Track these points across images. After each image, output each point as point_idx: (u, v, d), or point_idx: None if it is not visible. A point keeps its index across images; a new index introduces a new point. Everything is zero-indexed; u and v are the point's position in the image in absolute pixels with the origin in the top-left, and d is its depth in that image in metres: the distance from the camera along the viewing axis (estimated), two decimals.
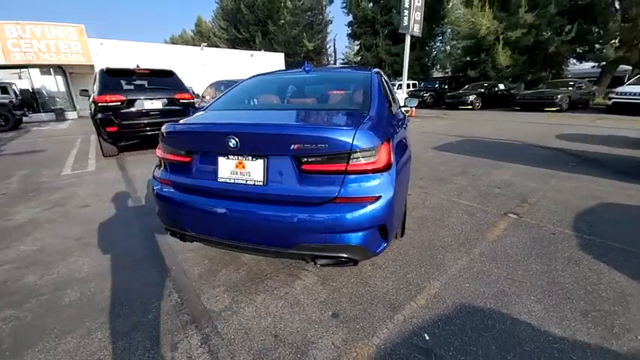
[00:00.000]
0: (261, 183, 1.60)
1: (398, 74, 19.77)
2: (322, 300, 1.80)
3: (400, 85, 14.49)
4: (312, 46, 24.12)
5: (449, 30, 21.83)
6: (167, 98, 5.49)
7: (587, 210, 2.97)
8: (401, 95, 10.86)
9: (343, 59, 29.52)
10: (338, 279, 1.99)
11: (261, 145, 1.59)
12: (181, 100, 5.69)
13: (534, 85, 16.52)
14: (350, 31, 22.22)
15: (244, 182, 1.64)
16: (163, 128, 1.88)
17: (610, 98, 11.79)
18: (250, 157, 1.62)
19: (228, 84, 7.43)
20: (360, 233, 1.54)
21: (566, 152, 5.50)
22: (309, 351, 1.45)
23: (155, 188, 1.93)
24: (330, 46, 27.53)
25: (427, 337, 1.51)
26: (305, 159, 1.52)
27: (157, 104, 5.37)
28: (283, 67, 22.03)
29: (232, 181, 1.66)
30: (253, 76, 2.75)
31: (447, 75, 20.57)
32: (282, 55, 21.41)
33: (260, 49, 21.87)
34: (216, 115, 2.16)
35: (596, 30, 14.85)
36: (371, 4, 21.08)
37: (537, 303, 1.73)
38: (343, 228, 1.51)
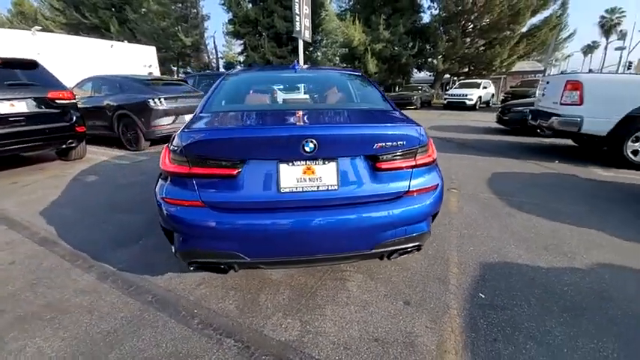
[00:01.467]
0: (335, 187, 1.51)
1: None
2: (385, 293, 1.85)
3: None
4: (190, 41, 21.66)
5: (325, 38, 24.13)
6: (35, 98, 3.88)
7: (489, 179, 4.08)
8: None
9: (222, 58, 27.92)
10: (380, 271, 2.06)
11: (339, 146, 1.49)
12: (58, 101, 4.15)
13: (391, 89, 20.54)
14: (232, 29, 21.21)
15: (315, 189, 1.50)
16: (188, 136, 1.45)
17: (445, 99, 16.05)
18: (322, 161, 1.49)
19: (115, 81, 5.92)
20: (427, 220, 1.69)
21: (444, 139, 7.22)
22: (415, 340, 1.50)
23: (176, 214, 1.48)
24: (209, 43, 25.47)
25: (483, 296, 1.82)
26: (382, 157, 1.53)
27: (20, 107, 3.71)
28: (156, 62, 18.99)
29: (300, 189, 1.48)
30: (238, 73, 2.40)
31: None
32: (154, 48, 18.38)
33: (122, 40, 18.01)
34: (258, 117, 1.84)
35: (429, 47, 19.69)
36: (250, 5, 20.78)
37: (518, 249, 2.33)
38: (418, 218, 1.62)
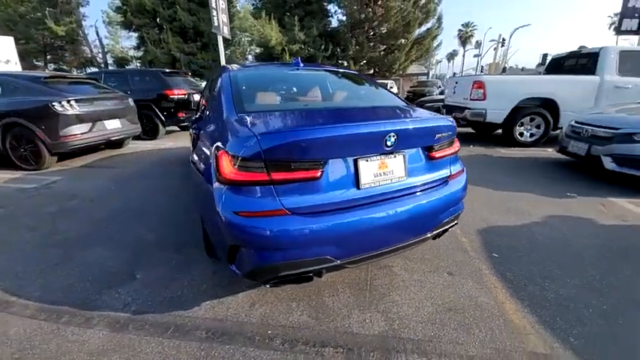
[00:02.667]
0: (404, 178, 1.62)
1: (197, 75, 18.75)
2: (429, 270, 2.05)
3: None
4: (63, 30, 17.32)
5: (235, 36, 23.11)
6: None
7: None
8: None
9: (108, 52, 23.47)
10: (411, 252, 2.25)
11: (411, 139, 1.59)
12: None
13: None
14: (121, 20, 17.95)
15: (389, 182, 1.57)
16: (267, 139, 1.30)
17: None
18: (393, 155, 1.57)
19: None
20: (463, 200, 1.96)
21: None
22: (478, 300, 1.75)
23: (257, 227, 1.32)
24: (89, 33, 20.91)
25: (496, 255, 2.22)
26: (436, 146, 1.71)
27: None
28: (15, 56, 14.74)
29: (377, 184, 1.53)
30: (247, 69, 2.16)
31: None
32: (11, 39, 14.24)
33: None
34: (324, 114, 1.81)
35: (340, 50, 21.14)
36: None
37: (492, 215, 2.89)
38: (460, 198, 1.87)
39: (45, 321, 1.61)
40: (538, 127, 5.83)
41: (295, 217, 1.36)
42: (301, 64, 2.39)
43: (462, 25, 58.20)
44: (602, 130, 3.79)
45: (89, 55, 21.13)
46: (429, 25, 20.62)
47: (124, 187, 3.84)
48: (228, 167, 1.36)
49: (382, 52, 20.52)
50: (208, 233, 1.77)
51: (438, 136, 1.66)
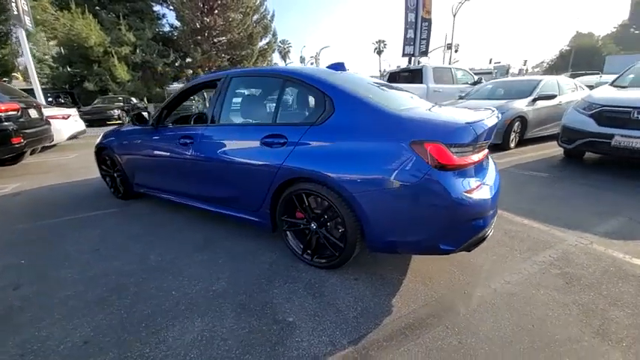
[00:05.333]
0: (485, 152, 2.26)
1: None
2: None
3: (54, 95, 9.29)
4: None
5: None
6: None
7: None
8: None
9: None
10: None
11: None
12: None
13: (153, 101, 18.26)
14: None
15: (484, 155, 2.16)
16: (479, 127, 1.58)
17: None
18: None
19: None
20: None
21: None
22: (518, 226, 2.64)
23: (480, 199, 1.59)
24: None
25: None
26: None
27: None
28: None
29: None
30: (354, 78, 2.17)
31: (47, 86, 15.65)
32: None
33: None
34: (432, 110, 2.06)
35: (180, 58, 19.20)
36: None
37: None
38: None
39: None
40: None
41: (486, 187, 1.70)
42: (339, 66, 2.53)
43: (280, 41, 66.02)
44: None
45: None
46: (267, 39, 22.33)
47: (48, 253, 2.39)
48: (447, 155, 1.52)
49: (230, 62, 20.36)
50: (391, 231, 1.71)
51: None
